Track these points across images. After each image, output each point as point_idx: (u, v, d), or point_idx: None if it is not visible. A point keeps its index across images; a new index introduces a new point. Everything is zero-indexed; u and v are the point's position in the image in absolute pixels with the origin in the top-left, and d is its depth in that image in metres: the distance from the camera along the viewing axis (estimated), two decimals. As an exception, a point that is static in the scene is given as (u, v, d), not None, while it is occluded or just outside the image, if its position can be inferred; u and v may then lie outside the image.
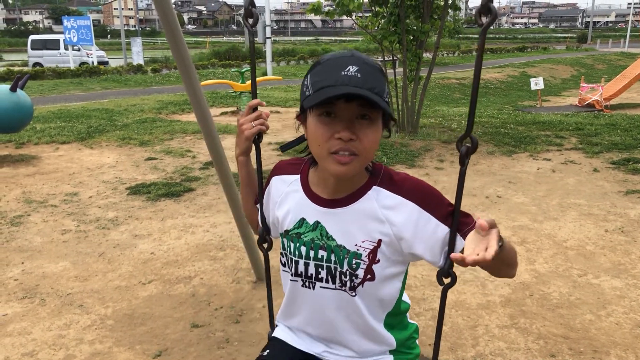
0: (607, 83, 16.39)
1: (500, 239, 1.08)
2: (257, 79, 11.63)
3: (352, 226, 1.26)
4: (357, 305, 1.31)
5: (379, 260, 1.27)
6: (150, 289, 3.38)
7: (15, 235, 4.26)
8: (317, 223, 1.30)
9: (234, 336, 2.87)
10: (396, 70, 8.27)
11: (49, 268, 3.68)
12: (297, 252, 1.33)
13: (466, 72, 23.72)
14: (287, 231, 1.35)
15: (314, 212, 1.30)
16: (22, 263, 3.76)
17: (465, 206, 1.31)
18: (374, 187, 1.27)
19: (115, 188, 5.53)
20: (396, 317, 1.40)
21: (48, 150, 7.26)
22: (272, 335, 1.54)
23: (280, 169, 1.42)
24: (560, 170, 6.16)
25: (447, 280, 1.25)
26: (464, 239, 1.18)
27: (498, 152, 6.97)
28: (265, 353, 1.47)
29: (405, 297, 1.44)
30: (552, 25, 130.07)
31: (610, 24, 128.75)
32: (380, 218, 1.25)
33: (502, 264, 1.17)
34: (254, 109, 1.41)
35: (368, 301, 1.32)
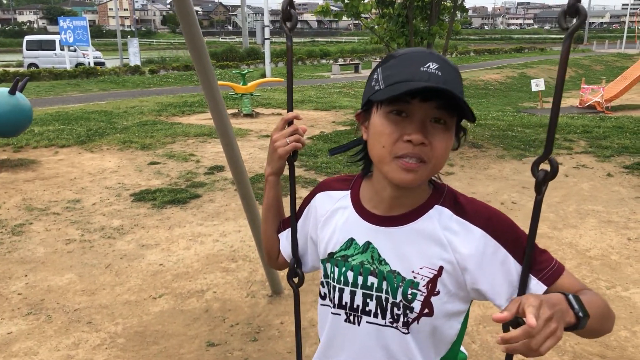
0: (608, 84, 16.33)
1: (576, 315, 0.90)
2: (257, 80, 11.47)
3: (409, 249, 1.07)
4: (408, 345, 1.10)
5: (438, 292, 1.07)
6: (162, 304, 3.22)
7: (17, 245, 4.09)
8: (367, 244, 1.11)
9: (253, 356, 2.72)
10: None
11: (53, 281, 3.51)
12: (342, 279, 1.13)
13: (465, 73, 23.64)
14: (331, 254, 1.16)
15: (364, 231, 1.12)
16: (26, 276, 3.59)
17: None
18: (436, 206, 1.09)
19: (119, 194, 5.36)
20: None
21: (47, 154, 7.08)
22: None
23: (327, 185, 1.23)
24: (573, 174, 6.04)
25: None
26: (545, 283, 1.02)
27: (508, 156, 6.85)
28: None
29: (462, 346, 1.26)
30: (547, 26, 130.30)
31: (605, 25, 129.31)
32: (443, 242, 1.06)
33: (594, 330, 1.00)
34: (289, 122, 1.21)
35: (422, 342, 1.11)
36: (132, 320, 3.03)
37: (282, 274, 3.52)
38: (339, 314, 1.15)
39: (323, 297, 1.19)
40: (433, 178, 1.12)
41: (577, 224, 4.53)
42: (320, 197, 1.23)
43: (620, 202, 5.08)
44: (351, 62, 26.91)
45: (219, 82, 11.83)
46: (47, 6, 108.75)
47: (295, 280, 1.28)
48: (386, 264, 1.09)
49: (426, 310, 1.07)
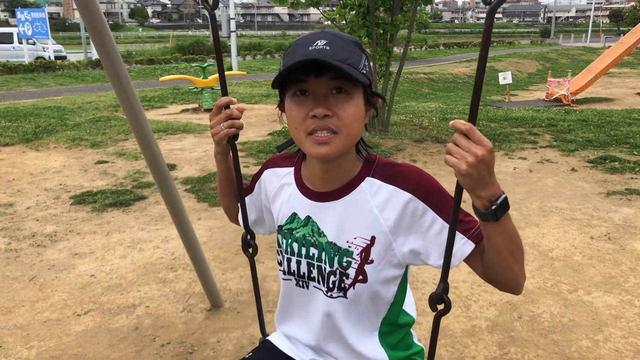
0: (574, 77, 16.44)
1: (500, 196, 0.96)
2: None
3: (343, 221, 1.18)
4: (347, 310, 1.21)
5: (372, 261, 1.16)
6: (86, 322, 2.90)
7: None
8: (308, 218, 1.23)
9: (182, 381, 2.43)
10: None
11: (-33, 298, 3.15)
12: (289, 249, 1.26)
13: (434, 66, 23.61)
14: (280, 227, 1.29)
15: (305, 206, 1.23)
16: (-64, 292, 3.22)
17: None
18: (367, 178, 1.17)
19: (57, 197, 4.98)
20: (395, 333, 1.28)
21: (-13, 154, 6.61)
22: (266, 338, 1.45)
23: (273, 162, 1.34)
24: (537, 170, 5.90)
25: (440, 307, 1.08)
26: (472, 241, 1.09)
27: (472, 151, 6.67)
28: (247, 355, 1.40)
29: (409, 309, 1.34)
30: (515, 20, 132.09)
31: (571, 19, 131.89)
32: (374, 212, 1.15)
33: (507, 244, 1.01)
34: (225, 107, 1.25)
35: (360, 307, 1.21)
36: (49, 343, 2.70)
37: (220, 286, 3.23)
38: (290, 280, 1.27)
39: (279, 263, 1.29)
40: (364, 151, 1.20)
41: (540, 222, 4.36)
42: (267, 173, 1.34)
43: (583, 198, 4.94)
44: (320, 56, 26.56)
45: (180, 77, 11.39)
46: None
47: (250, 250, 1.42)
48: (324, 236, 1.19)
49: (360, 277, 1.16)
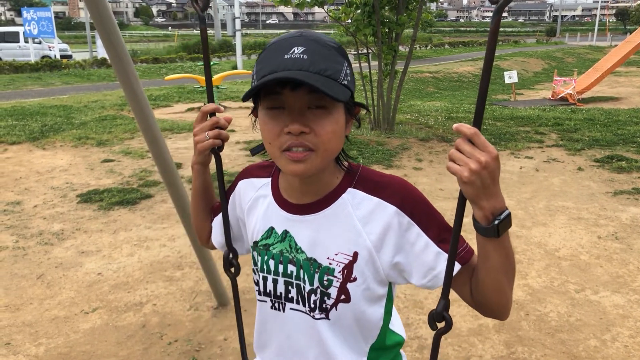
0: (580, 76, 16.37)
1: (503, 211, 0.91)
2: (223, 73, 11.09)
3: (323, 236, 1.08)
4: (331, 332, 1.10)
5: (355, 279, 1.07)
6: (94, 320, 2.91)
7: (-59, 254, 3.73)
8: (285, 232, 1.12)
9: (189, 379, 2.44)
10: (371, 64, 7.89)
11: (-25, 295, 3.17)
12: (265, 267, 1.14)
13: (440, 65, 23.55)
14: (256, 242, 1.17)
15: (282, 220, 1.12)
16: (-55, 289, 3.24)
17: (445, 211, 1.05)
18: (349, 189, 1.09)
19: (64, 195, 5.00)
20: (384, 354, 1.19)
21: (-6, 152, 6.64)
22: None
23: (249, 173, 1.23)
24: (543, 169, 5.88)
25: (440, 325, 1.02)
26: (459, 262, 1.02)
27: (478, 150, 6.66)
28: None
29: (397, 328, 1.23)
30: (521, 19, 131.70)
31: (577, 18, 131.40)
32: (357, 227, 1.06)
33: (503, 262, 0.96)
34: (211, 114, 1.15)
35: (344, 329, 1.11)
36: (57, 340, 2.72)
37: (227, 284, 3.23)
38: (265, 301, 1.15)
39: (256, 283, 1.18)
40: (344, 161, 1.11)
41: (547, 221, 4.35)
42: (242, 184, 1.22)
43: (590, 197, 4.92)
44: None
45: (185, 75, 11.42)
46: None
47: (232, 270, 1.28)
48: (302, 252, 1.09)
49: (343, 297, 1.08)
